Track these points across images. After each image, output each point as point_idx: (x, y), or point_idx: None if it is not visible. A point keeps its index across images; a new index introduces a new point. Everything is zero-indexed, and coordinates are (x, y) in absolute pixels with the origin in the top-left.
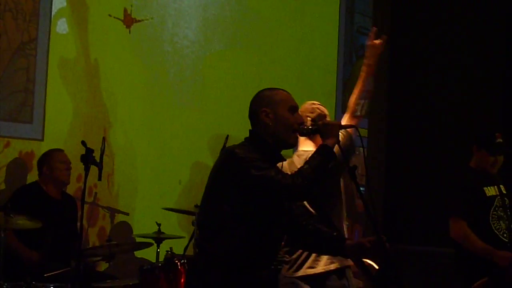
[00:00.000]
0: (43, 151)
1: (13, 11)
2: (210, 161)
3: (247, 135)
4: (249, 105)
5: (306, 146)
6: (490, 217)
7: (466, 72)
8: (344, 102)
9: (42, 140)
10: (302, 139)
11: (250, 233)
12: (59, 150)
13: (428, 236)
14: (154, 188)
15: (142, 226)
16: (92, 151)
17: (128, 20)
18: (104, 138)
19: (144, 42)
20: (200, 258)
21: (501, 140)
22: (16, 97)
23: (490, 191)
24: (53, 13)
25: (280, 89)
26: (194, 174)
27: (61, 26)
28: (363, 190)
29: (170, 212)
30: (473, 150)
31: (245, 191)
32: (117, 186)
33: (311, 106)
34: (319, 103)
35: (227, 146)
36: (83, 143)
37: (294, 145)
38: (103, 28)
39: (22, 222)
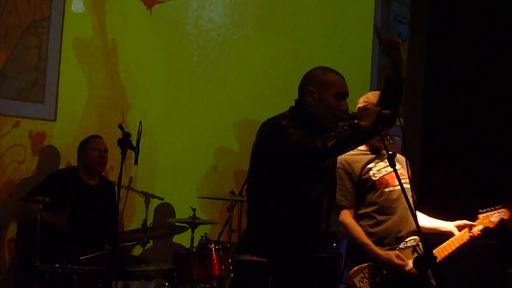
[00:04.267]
0: (55, 132)
1: None
2: (235, 146)
3: None
4: (280, 88)
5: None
6: None
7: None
8: (379, 90)
9: (55, 120)
10: None
11: (292, 199)
12: (95, 137)
13: None
14: (179, 174)
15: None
16: (129, 135)
17: (149, 1)
18: (140, 122)
19: (166, 24)
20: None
21: None
22: (27, 76)
23: None
24: None
25: (334, 71)
26: (219, 159)
27: (77, 5)
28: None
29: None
30: None
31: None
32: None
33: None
34: None
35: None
36: (120, 126)
37: (333, 129)
38: (121, 8)
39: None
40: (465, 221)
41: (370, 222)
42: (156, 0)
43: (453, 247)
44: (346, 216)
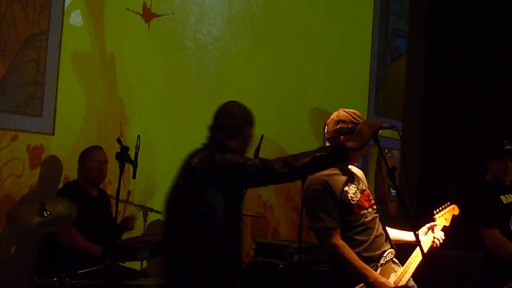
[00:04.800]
0: (53, 146)
1: (23, 2)
2: None
3: (272, 133)
4: (278, 101)
5: None
6: (511, 224)
7: (505, 74)
8: (377, 104)
9: (53, 134)
10: None
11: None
12: (95, 148)
13: (457, 241)
14: None
15: None
16: (127, 148)
17: (148, 15)
18: (139, 136)
19: (164, 37)
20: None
21: (509, 147)
22: (25, 90)
23: (508, 198)
24: (66, 4)
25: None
26: None
27: (75, 18)
28: (394, 193)
29: None
30: (486, 163)
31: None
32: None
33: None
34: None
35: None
36: (119, 140)
37: None
38: (120, 21)
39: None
40: (427, 225)
41: (353, 243)
42: (154, 13)
43: (409, 268)
44: (338, 238)
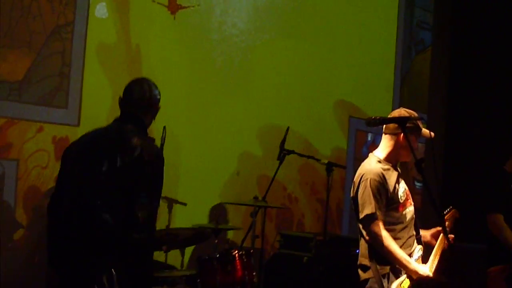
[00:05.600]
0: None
1: None
2: (258, 151)
3: (296, 125)
4: (303, 93)
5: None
6: None
7: None
8: (401, 97)
9: (78, 125)
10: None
11: None
12: None
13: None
14: (201, 179)
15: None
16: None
17: (173, 6)
18: (164, 127)
19: (189, 29)
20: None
21: None
22: (51, 82)
23: None
24: None
25: None
26: (242, 164)
27: (100, 11)
28: (420, 186)
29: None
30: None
31: None
32: None
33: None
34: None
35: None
36: None
37: None
38: (146, 13)
39: None
40: (437, 228)
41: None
42: (180, 5)
43: (438, 256)
44: (383, 228)
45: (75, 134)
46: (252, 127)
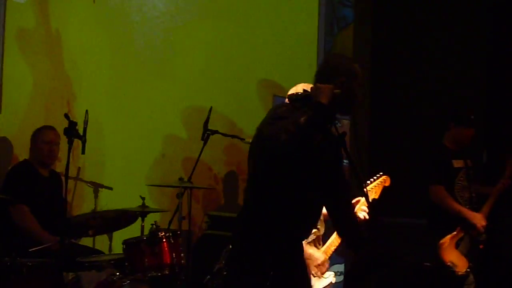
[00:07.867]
0: (0, 124)
1: None
2: (182, 133)
3: (220, 105)
4: (226, 74)
5: None
6: (455, 186)
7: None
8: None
9: (0, 112)
10: None
11: None
12: (46, 128)
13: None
14: (127, 163)
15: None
16: (75, 124)
17: None
18: (87, 111)
19: (109, 12)
20: None
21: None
22: None
23: (457, 163)
24: None
25: None
26: (167, 146)
27: None
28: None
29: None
30: (449, 127)
31: None
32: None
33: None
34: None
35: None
36: (66, 116)
37: None
38: None
39: None
40: (358, 199)
41: None
42: None
43: None
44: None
45: None
46: (176, 109)
